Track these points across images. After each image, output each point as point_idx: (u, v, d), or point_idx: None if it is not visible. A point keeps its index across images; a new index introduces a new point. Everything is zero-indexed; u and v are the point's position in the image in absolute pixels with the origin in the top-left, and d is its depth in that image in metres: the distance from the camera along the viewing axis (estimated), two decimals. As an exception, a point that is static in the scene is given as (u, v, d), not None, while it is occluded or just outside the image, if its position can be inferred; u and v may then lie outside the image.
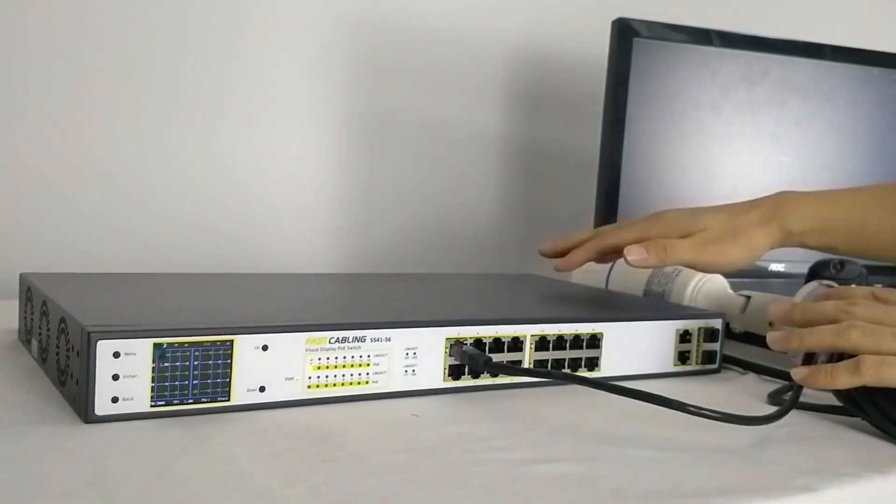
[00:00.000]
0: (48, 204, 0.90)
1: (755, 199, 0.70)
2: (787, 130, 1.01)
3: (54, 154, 0.90)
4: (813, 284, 0.68)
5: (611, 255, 0.71)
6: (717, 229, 0.67)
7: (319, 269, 1.03)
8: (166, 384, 0.45)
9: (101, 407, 0.44)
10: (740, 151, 1.00)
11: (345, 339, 0.50)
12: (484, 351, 0.55)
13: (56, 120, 0.90)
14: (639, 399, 0.49)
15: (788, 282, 0.98)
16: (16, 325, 0.65)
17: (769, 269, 1.01)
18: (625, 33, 0.95)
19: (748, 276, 1.00)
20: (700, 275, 0.75)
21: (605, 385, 0.50)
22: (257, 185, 1.00)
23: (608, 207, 0.96)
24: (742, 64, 0.99)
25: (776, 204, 0.69)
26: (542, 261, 0.73)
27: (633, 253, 0.66)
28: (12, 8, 0.87)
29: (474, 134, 1.11)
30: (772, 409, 0.51)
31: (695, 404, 0.48)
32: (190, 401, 0.46)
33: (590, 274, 0.85)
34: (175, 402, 0.46)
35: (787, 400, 0.52)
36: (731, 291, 0.75)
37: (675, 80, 0.97)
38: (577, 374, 0.58)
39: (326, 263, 1.04)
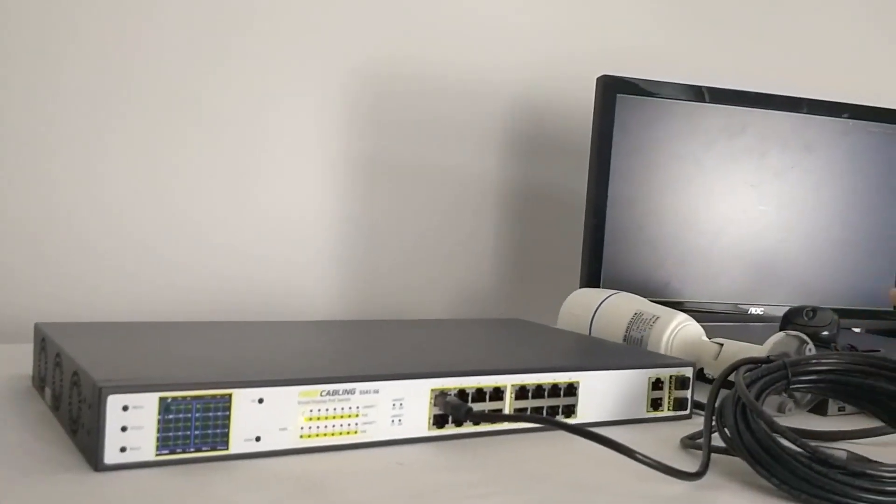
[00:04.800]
0: (64, 251, 0.94)
1: None
2: (766, 180, 1.06)
3: (72, 205, 0.95)
4: (780, 335, 0.72)
5: None
6: None
7: (320, 310, 1.07)
8: (170, 434, 0.49)
9: (110, 456, 0.48)
10: (721, 201, 1.05)
11: (335, 392, 0.54)
12: (467, 401, 0.59)
13: (72, 172, 0.94)
14: (594, 441, 0.52)
15: (766, 325, 1.02)
16: (30, 369, 0.69)
17: (749, 312, 1.05)
18: (608, 89, 1.00)
19: (727, 320, 1.04)
20: (675, 322, 0.79)
21: (567, 426, 0.53)
22: (259, 230, 1.04)
23: (594, 252, 1.01)
24: (722, 118, 1.04)
25: None
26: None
27: None
28: (26, 52, 0.92)
29: (472, 180, 1.15)
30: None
31: (643, 453, 0.52)
32: (192, 450, 0.50)
33: (574, 318, 0.89)
34: (178, 451, 0.50)
35: (703, 447, 0.55)
36: (705, 339, 0.79)
37: (657, 133, 1.02)
38: (550, 417, 0.62)
39: (326, 307, 1.08)
